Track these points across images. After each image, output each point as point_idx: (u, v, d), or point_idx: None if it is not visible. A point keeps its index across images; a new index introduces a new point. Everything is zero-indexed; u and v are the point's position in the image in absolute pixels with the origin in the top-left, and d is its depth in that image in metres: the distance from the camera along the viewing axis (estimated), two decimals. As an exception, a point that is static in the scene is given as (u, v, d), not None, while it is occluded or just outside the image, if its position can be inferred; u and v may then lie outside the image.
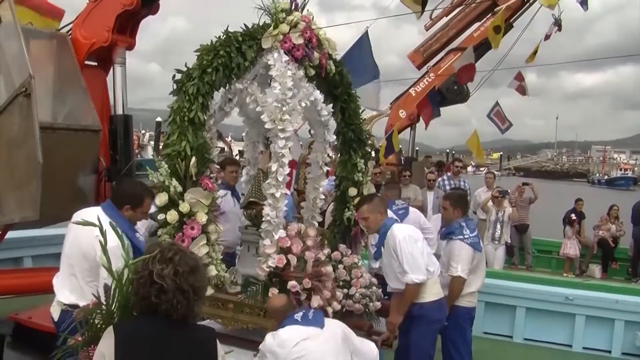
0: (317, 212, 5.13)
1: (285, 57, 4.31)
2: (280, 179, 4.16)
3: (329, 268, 4.35)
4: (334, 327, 3.49)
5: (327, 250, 4.58)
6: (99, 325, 2.61)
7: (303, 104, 4.38)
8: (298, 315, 3.43)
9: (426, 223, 6.79)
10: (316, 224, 5.05)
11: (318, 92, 4.67)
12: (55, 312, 3.79)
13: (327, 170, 5.17)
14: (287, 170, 4.26)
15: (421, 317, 4.68)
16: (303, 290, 4.04)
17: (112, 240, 2.84)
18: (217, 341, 2.50)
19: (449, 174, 10.95)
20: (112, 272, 2.61)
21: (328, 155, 5.13)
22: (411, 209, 6.73)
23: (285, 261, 4.06)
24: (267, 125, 4.18)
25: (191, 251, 2.64)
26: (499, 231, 10.50)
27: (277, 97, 4.15)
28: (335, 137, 5.04)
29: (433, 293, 4.73)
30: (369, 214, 4.75)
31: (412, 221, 6.20)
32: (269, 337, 3.41)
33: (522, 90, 13.23)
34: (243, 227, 4.74)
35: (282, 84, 4.18)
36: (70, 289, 3.81)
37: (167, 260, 2.33)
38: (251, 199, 4.63)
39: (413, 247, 4.56)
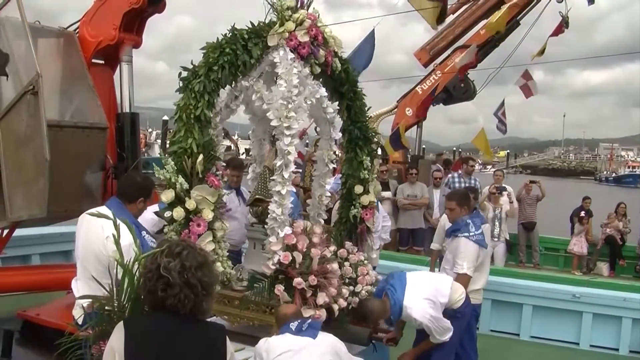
0: (323, 209, 5.12)
1: (291, 55, 4.31)
2: (285, 176, 4.17)
3: (335, 265, 4.35)
4: (326, 341, 3.44)
5: (333, 248, 4.59)
6: (109, 319, 2.63)
7: (309, 102, 4.37)
8: (293, 325, 3.43)
9: (383, 211, 7.28)
10: (322, 222, 5.05)
11: (324, 89, 4.67)
12: (78, 316, 3.75)
13: (334, 168, 5.16)
14: (293, 167, 4.26)
15: (456, 318, 4.71)
16: (309, 287, 4.06)
17: (125, 238, 2.86)
18: (227, 339, 2.51)
19: (459, 172, 10.90)
20: (124, 265, 2.63)
21: (334, 152, 5.14)
22: None
23: (290, 258, 4.08)
24: (273, 123, 4.18)
25: (200, 247, 2.65)
26: (498, 228, 10.40)
27: (283, 95, 4.15)
28: (341, 134, 5.04)
29: (459, 296, 4.79)
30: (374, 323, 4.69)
31: (380, 210, 6.84)
32: (262, 341, 3.45)
33: (527, 90, 13.20)
34: (249, 224, 4.76)
35: (287, 81, 4.18)
36: (90, 292, 3.79)
37: (174, 254, 2.34)
38: (257, 196, 4.64)
39: (438, 319, 4.51)
